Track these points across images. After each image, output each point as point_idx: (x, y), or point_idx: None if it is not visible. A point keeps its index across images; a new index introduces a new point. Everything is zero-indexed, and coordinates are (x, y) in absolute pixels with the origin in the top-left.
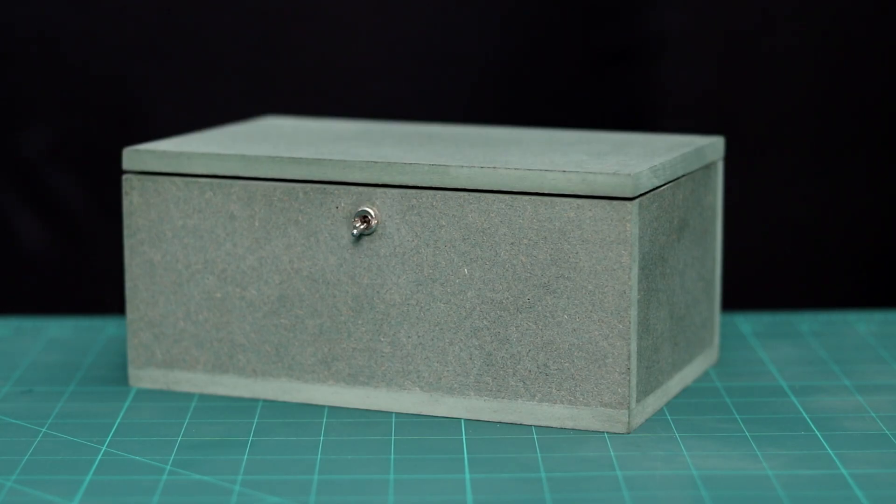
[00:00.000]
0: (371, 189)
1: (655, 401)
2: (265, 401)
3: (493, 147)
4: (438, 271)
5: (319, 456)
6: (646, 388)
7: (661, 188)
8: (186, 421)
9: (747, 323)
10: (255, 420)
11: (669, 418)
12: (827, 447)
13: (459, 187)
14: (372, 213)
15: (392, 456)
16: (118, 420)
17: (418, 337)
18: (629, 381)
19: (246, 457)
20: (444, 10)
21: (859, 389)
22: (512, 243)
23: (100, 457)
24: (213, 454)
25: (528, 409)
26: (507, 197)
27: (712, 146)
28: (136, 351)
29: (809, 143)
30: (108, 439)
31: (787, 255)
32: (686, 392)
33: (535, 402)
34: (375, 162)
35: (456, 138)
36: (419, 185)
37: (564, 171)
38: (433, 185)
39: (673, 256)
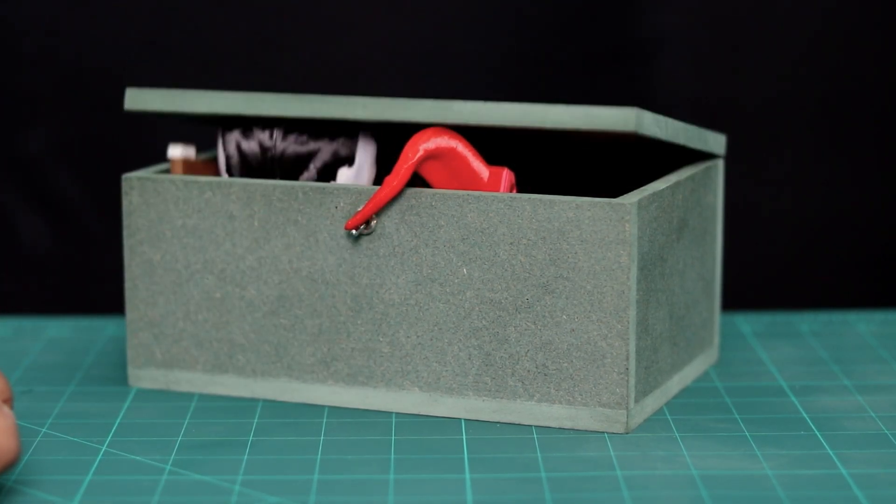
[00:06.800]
0: (371, 188)
1: (654, 401)
2: (265, 401)
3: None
4: (437, 271)
5: (319, 456)
6: (645, 388)
7: (661, 188)
8: (186, 421)
9: (747, 323)
10: (255, 420)
11: (669, 418)
12: (827, 447)
13: (462, 123)
14: None
15: (392, 456)
16: (118, 420)
17: (417, 337)
18: (628, 381)
19: (246, 457)
20: (441, 11)
21: (859, 389)
22: (511, 243)
23: (100, 457)
24: (213, 454)
25: (527, 409)
26: (506, 197)
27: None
28: (136, 351)
29: (809, 144)
30: (108, 439)
31: (787, 255)
32: (686, 392)
33: (533, 403)
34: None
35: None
36: (420, 120)
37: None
38: (435, 121)
39: (672, 256)
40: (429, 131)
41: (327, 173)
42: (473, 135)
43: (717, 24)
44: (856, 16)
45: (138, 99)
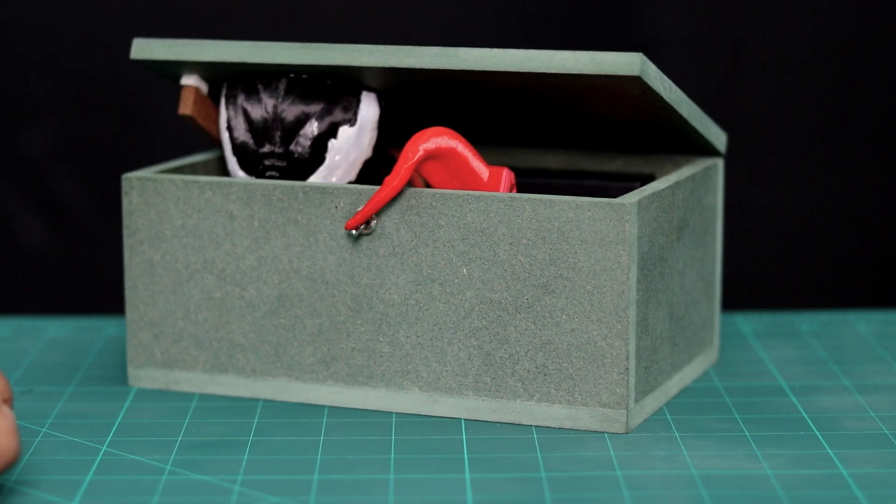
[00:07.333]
0: (371, 188)
1: (654, 401)
2: (265, 401)
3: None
4: (437, 271)
5: (319, 456)
6: (644, 388)
7: (661, 188)
8: (186, 421)
9: (747, 323)
10: (255, 420)
11: (669, 418)
12: (827, 447)
13: (467, 68)
14: None
15: (392, 456)
16: (118, 420)
17: (417, 337)
18: (627, 381)
19: (246, 457)
20: (441, 10)
21: (859, 389)
22: (511, 243)
23: (100, 457)
24: (213, 454)
25: (527, 409)
26: (506, 197)
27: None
28: (136, 351)
29: (809, 144)
30: (108, 439)
31: (787, 255)
32: (686, 392)
33: (533, 402)
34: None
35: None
36: (426, 66)
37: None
38: (440, 67)
39: (672, 256)
40: (429, 131)
41: (329, 132)
42: (475, 128)
43: (718, 24)
44: (856, 15)
45: (145, 48)
